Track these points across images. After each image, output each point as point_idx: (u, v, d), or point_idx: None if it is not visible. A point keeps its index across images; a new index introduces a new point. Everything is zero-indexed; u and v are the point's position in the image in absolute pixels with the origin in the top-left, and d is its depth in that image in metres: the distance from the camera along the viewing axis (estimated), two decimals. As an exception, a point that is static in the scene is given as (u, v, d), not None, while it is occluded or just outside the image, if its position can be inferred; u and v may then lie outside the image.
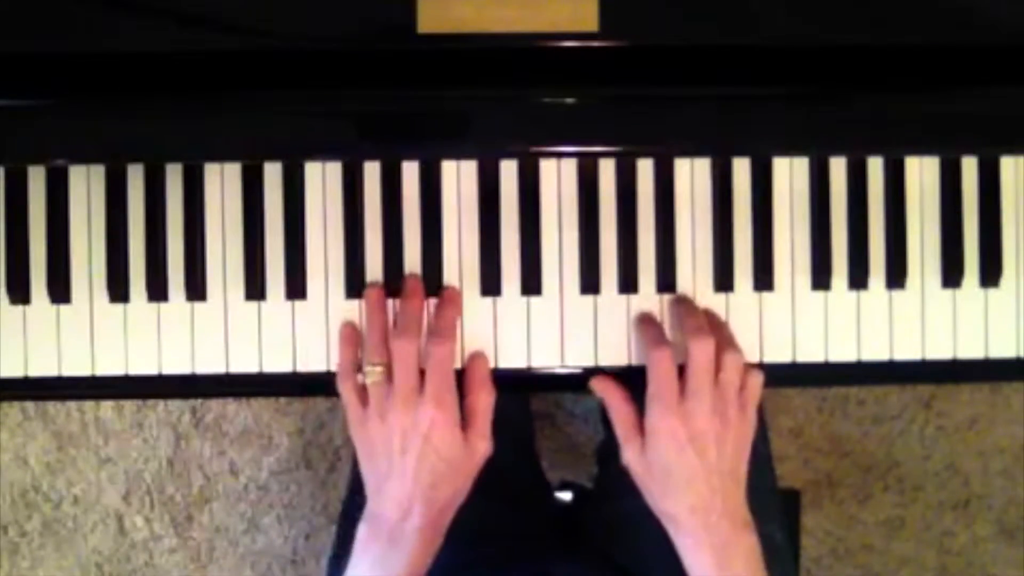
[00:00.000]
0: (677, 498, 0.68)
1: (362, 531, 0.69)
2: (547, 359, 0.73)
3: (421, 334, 0.70)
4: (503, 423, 0.96)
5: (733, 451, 0.68)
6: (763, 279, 0.73)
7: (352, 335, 0.72)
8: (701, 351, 0.67)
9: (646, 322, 0.72)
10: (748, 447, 0.70)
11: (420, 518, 0.68)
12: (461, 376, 0.71)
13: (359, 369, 0.70)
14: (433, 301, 0.72)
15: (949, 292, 0.74)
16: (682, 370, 0.68)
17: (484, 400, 0.71)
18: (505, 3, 0.68)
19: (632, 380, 0.71)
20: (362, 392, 0.70)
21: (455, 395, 0.69)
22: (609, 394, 0.71)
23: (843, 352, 0.74)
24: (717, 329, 0.70)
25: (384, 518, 0.68)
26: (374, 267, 0.73)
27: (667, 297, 0.73)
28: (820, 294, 0.74)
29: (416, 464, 0.67)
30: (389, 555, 0.68)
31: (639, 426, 0.69)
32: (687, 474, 0.67)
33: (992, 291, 0.75)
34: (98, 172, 0.72)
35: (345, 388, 0.70)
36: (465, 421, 0.70)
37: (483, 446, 0.70)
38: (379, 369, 0.69)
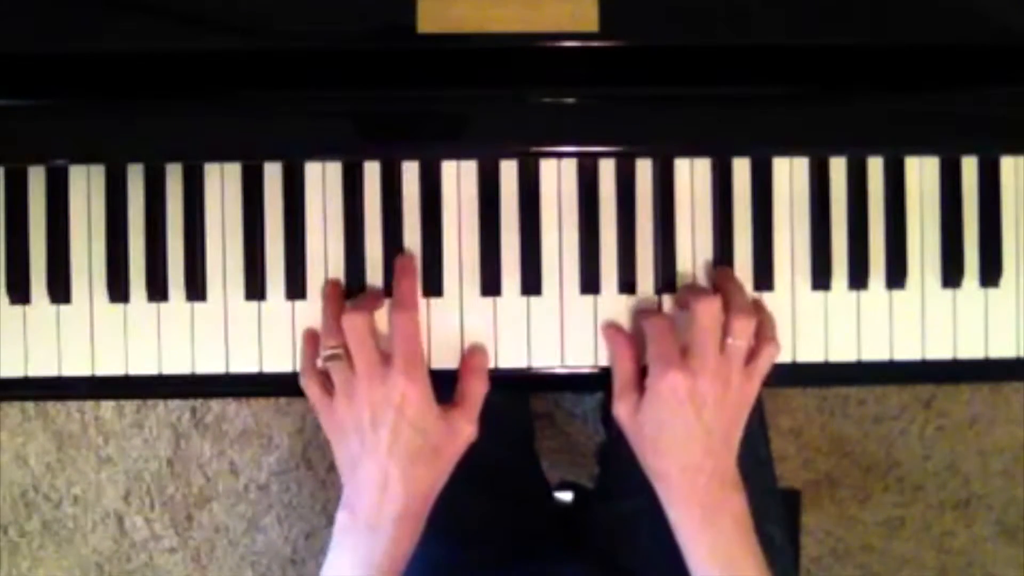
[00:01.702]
0: (668, 456, 0.67)
1: (340, 519, 0.67)
2: (547, 359, 0.73)
3: (373, 310, 0.69)
4: (503, 423, 0.96)
5: (731, 415, 0.68)
6: (763, 279, 0.73)
7: (313, 335, 0.71)
8: (704, 311, 0.66)
9: (646, 311, 0.72)
10: (746, 413, 0.69)
11: (398, 501, 0.65)
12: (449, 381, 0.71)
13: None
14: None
15: (949, 292, 0.74)
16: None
17: (477, 387, 0.70)
18: (505, 3, 0.68)
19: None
20: (326, 382, 0.68)
21: (425, 366, 0.67)
22: (616, 343, 0.71)
23: (843, 352, 0.74)
24: (733, 295, 0.69)
25: (361, 503, 0.66)
26: (374, 267, 0.73)
27: (668, 296, 0.73)
28: (820, 294, 0.74)
29: (390, 437, 0.65)
30: (368, 542, 0.65)
31: (638, 383, 0.69)
32: (681, 433, 0.66)
33: (992, 291, 0.75)
34: (98, 172, 0.72)
35: (307, 383, 0.69)
36: (454, 402, 0.69)
37: (468, 429, 0.68)
38: (338, 351, 0.67)
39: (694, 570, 0.67)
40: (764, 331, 0.70)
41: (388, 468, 0.65)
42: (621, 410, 0.69)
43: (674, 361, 0.66)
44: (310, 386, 0.69)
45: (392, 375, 0.65)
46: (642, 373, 0.70)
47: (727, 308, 0.68)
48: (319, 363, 0.69)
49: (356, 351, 0.66)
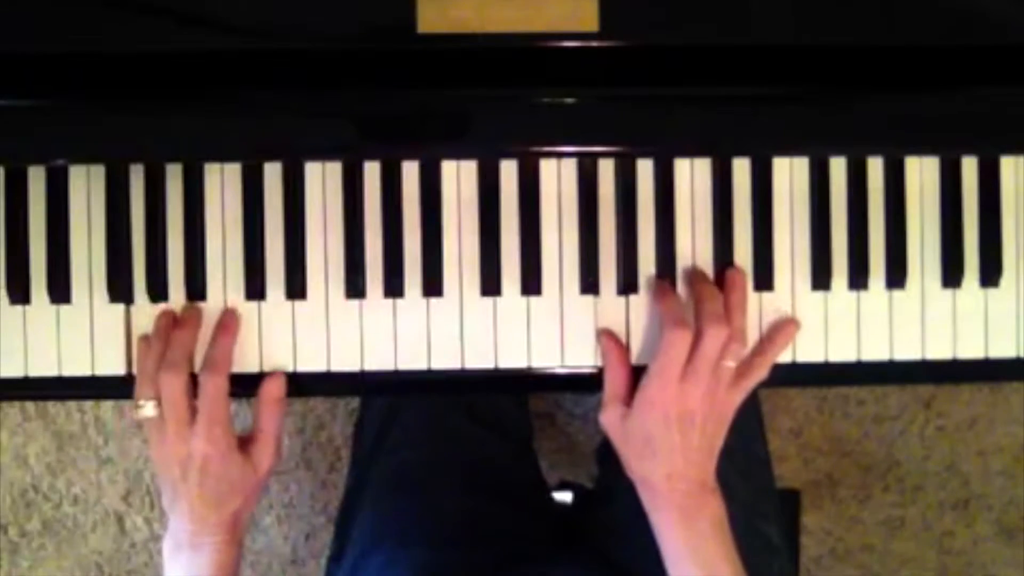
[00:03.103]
0: (652, 465, 0.70)
1: (167, 545, 0.71)
2: (547, 359, 0.73)
3: (189, 365, 0.70)
4: (503, 423, 0.96)
5: (714, 429, 0.70)
6: (763, 279, 0.73)
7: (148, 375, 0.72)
8: (714, 339, 0.68)
9: (669, 298, 0.72)
10: (728, 424, 0.71)
11: (214, 526, 0.70)
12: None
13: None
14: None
15: (949, 292, 0.74)
16: None
17: (271, 420, 0.72)
18: (505, 3, 0.68)
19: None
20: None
21: (227, 425, 0.70)
22: (611, 351, 0.72)
23: (843, 352, 0.74)
24: (734, 315, 0.71)
25: (182, 532, 0.71)
26: (374, 267, 0.73)
27: (690, 269, 0.73)
28: (820, 294, 0.74)
29: (198, 490, 0.69)
30: (195, 560, 0.70)
31: (628, 393, 0.71)
32: (666, 447, 0.69)
33: (992, 291, 0.75)
34: (98, 172, 0.72)
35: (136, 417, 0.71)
36: (252, 436, 0.72)
37: (266, 462, 0.72)
38: (151, 403, 0.69)
39: (671, 568, 0.70)
40: (754, 359, 0.72)
41: (200, 509, 0.70)
42: (608, 417, 0.71)
43: (672, 382, 0.68)
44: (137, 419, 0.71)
45: (195, 439, 0.69)
46: (633, 376, 0.71)
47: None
48: (133, 413, 0.71)
49: (166, 410, 0.69)
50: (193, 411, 0.69)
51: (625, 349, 0.73)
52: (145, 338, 0.72)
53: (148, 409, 0.69)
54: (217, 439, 0.69)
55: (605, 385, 0.72)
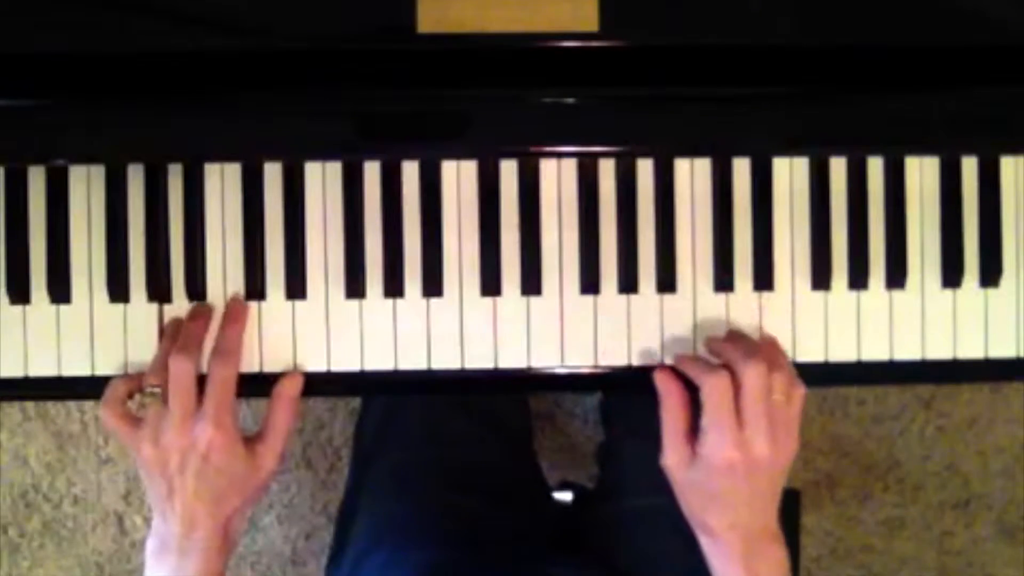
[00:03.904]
0: (717, 516, 0.67)
1: (151, 546, 0.69)
2: (547, 359, 0.73)
3: (199, 354, 0.69)
4: (503, 423, 0.96)
5: (780, 471, 0.68)
6: (763, 279, 0.73)
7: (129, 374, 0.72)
8: (756, 375, 0.65)
9: (686, 358, 0.71)
10: (789, 466, 0.68)
11: (206, 530, 0.67)
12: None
13: (130, 397, 0.70)
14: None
15: (949, 292, 0.74)
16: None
17: (283, 418, 0.71)
18: (505, 3, 0.68)
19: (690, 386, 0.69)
20: (129, 416, 0.69)
21: (235, 415, 0.68)
22: (669, 392, 0.69)
23: (843, 352, 0.74)
24: (768, 348, 0.69)
25: (170, 534, 0.68)
26: (374, 267, 0.73)
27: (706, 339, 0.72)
28: (820, 294, 0.74)
29: (195, 482, 0.67)
30: (181, 565, 0.67)
31: (690, 435, 0.68)
32: (733, 499, 0.66)
33: (992, 291, 0.75)
34: (98, 172, 0.72)
35: (105, 415, 0.69)
36: (260, 434, 0.70)
37: (271, 462, 0.70)
38: (156, 390, 0.68)
39: None
40: (792, 377, 0.69)
41: (195, 508, 0.67)
42: (671, 462, 0.68)
43: (731, 437, 0.65)
44: (110, 419, 0.69)
45: (201, 423, 0.67)
46: (692, 412, 0.68)
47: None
48: (137, 398, 0.69)
49: (174, 395, 0.67)
50: (199, 401, 0.67)
51: (684, 390, 0.69)
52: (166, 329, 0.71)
53: (151, 399, 0.68)
54: (225, 425, 0.67)
55: (664, 426, 0.69)
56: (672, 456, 0.68)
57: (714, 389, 0.66)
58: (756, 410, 0.65)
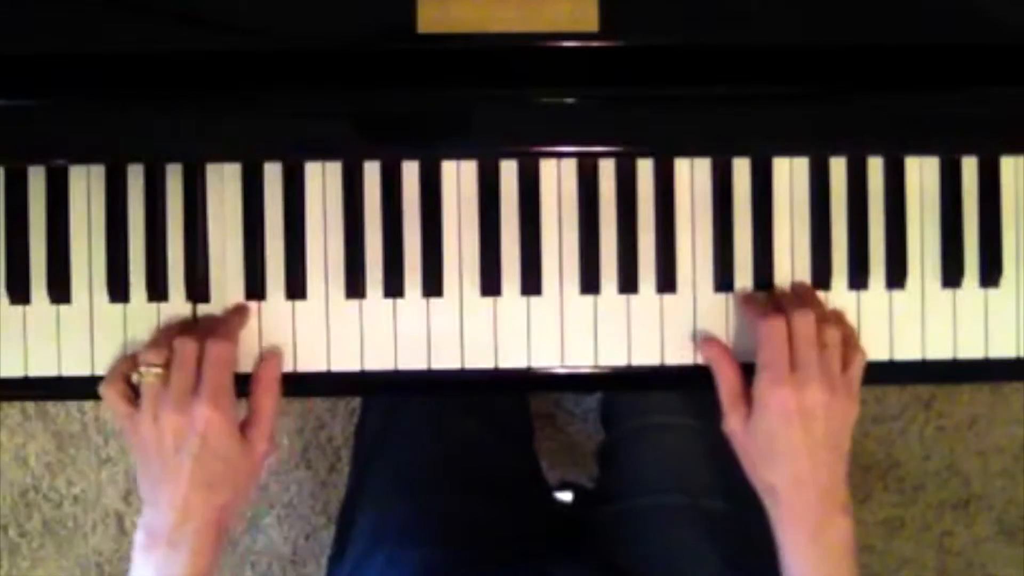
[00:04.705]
0: (778, 469, 0.67)
1: (140, 538, 0.67)
2: (547, 359, 0.73)
3: (202, 340, 0.68)
4: (503, 423, 0.96)
5: (839, 425, 0.68)
6: (763, 279, 0.73)
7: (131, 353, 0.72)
8: (803, 322, 0.67)
9: (749, 299, 0.73)
10: (852, 423, 0.69)
11: (198, 520, 0.66)
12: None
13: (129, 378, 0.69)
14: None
15: (949, 292, 0.74)
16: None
17: (267, 401, 0.71)
18: (505, 3, 0.68)
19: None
20: (128, 392, 0.69)
21: (232, 396, 0.68)
22: (718, 358, 0.71)
23: (843, 352, 0.74)
24: (816, 306, 0.70)
25: (161, 524, 0.66)
26: (374, 267, 0.73)
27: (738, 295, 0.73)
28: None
29: (191, 463, 0.66)
30: (171, 558, 0.66)
31: (745, 395, 0.69)
32: (792, 445, 0.67)
33: (992, 291, 0.75)
34: (98, 172, 0.72)
35: (107, 391, 0.69)
36: (248, 421, 0.70)
37: (263, 447, 0.70)
38: (156, 370, 0.67)
39: None
40: (850, 340, 0.71)
41: (188, 494, 0.66)
42: (732, 424, 0.69)
43: (783, 374, 0.67)
44: (111, 395, 0.69)
45: (198, 403, 0.66)
46: (745, 376, 0.70)
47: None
48: (134, 377, 0.68)
49: (176, 374, 0.67)
50: (198, 384, 0.67)
51: (729, 350, 0.72)
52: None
53: (151, 376, 0.67)
54: (223, 405, 0.67)
55: (720, 392, 0.70)
56: (732, 416, 0.69)
57: (771, 329, 0.67)
58: (808, 355, 0.67)
